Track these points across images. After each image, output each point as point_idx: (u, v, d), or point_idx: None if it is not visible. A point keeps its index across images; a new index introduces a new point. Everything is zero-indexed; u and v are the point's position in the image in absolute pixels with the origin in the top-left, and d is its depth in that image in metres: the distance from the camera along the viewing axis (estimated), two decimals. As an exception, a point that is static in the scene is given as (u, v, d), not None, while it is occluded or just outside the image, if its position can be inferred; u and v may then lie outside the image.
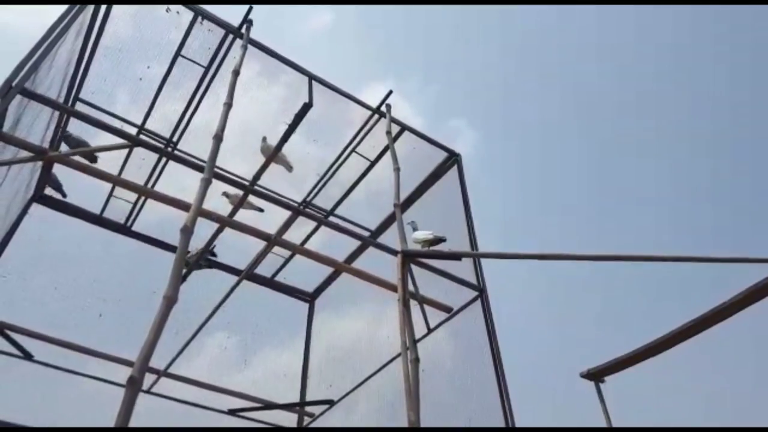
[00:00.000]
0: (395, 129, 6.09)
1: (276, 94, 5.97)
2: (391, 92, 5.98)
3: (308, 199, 6.80)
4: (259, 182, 5.83)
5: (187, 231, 3.48)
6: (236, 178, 5.73)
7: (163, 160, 5.97)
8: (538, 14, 15.85)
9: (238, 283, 6.18)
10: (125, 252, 7.27)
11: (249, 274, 7.62)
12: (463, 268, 5.29)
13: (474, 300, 5.20)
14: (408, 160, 6.30)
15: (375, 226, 6.94)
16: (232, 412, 6.48)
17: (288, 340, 8.06)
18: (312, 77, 5.66)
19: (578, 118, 16.83)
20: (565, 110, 16.53)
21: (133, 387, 2.72)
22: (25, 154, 4.04)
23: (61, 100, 5.43)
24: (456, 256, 4.43)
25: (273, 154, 5.48)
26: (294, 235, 7.36)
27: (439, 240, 4.48)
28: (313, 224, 6.61)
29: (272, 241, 5.00)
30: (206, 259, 6.65)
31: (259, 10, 5.63)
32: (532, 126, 17.12)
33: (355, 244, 6.61)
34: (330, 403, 6.30)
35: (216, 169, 5.07)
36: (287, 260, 7.43)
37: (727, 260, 4.32)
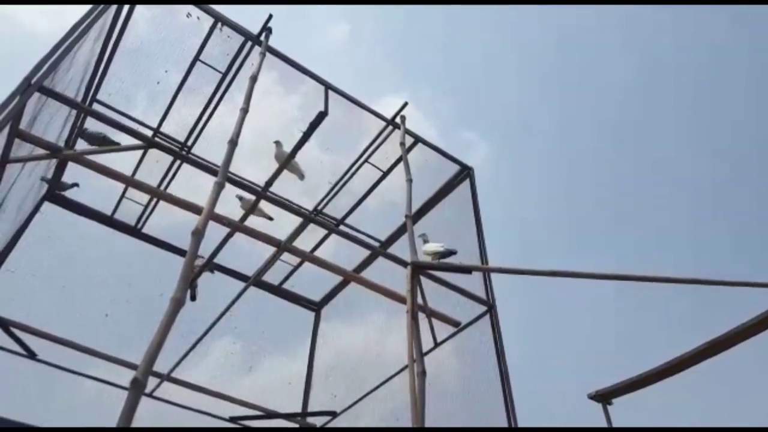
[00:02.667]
0: (409, 141, 6.08)
1: (293, 102, 5.99)
2: (406, 104, 5.99)
3: (319, 207, 6.78)
4: (271, 189, 5.87)
5: (198, 234, 3.45)
6: (249, 184, 5.72)
7: (177, 163, 5.98)
8: (556, 25, 15.73)
9: (245, 290, 6.17)
10: (134, 254, 7.29)
11: (256, 281, 7.63)
12: (473, 282, 5.24)
13: (483, 315, 5.14)
14: (420, 171, 6.29)
15: (385, 236, 6.91)
16: (233, 420, 6.43)
17: (293, 349, 8.01)
18: (328, 86, 5.67)
19: (598, 132, 16.60)
20: (582, 124, 16.33)
21: (137, 389, 2.68)
22: (40, 151, 4.06)
23: (79, 99, 5.47)
24: (466, 270, 4.39)
25: (287, 161, 5.49)
26: (303, 243, 7.36)
27: (450, 253, 4.44)
28: (322, 233, 6.59)
29: (282, 247, 4.98)
30: (213, 265, 6.64)
31: (278, 19, 5.67)
32: (547, 138, 16.95)
33: (364, 254, 6.58)
34: (333, 414, 6.24)
35: (229, 174, 5.14)
36: (295, 268, 7.40)
37: (745, 284, 4.25)
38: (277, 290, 7.70)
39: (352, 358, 7.32)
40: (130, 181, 5.31)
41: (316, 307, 7.92)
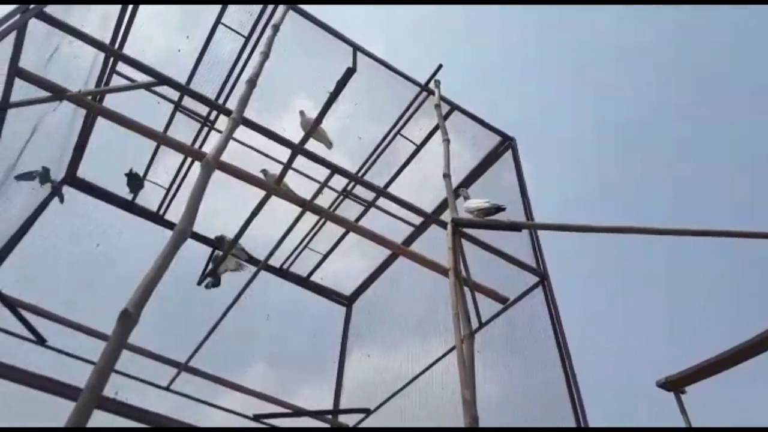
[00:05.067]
0: (445, 108, 5.59)
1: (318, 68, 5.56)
2: (441, 66, 5.51)
3: (360, 174, 6.14)
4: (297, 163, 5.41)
5: (209, 166, 3.02)
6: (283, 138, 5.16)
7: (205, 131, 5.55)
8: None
9: (259, 270, 5.68)
10: (154, 241, 6.92)
11: (284, 272, 7.17)
12: (521, 253, 4.66)
13: (535, 287, 4.53)
14: (456, 144, 5.77)
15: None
16: (258, 418, 5.88)
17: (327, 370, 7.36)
18: (357, 48, 5.27)
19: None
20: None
21: (126, 323, 2.21)
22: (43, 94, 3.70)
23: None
24: (516, 227, 3.83)
25: (313, 127, 5.05)
26: (331, 233, 6.87)
27: (498, 209, 3.87)
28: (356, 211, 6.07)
29: (308, 205, 4.49)
30: (242, 251, 6.20)
31: None
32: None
33: (400, 233, 6.02)
34: (366, 411, 5.65)
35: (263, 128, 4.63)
36: (325, 257, 6.92)
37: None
38: (305, 282, 7.21)
39: (386, 354, 6.76)
40: (161, 138, 4.81)
41: (346, 301, 7.39)
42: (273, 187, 4.66)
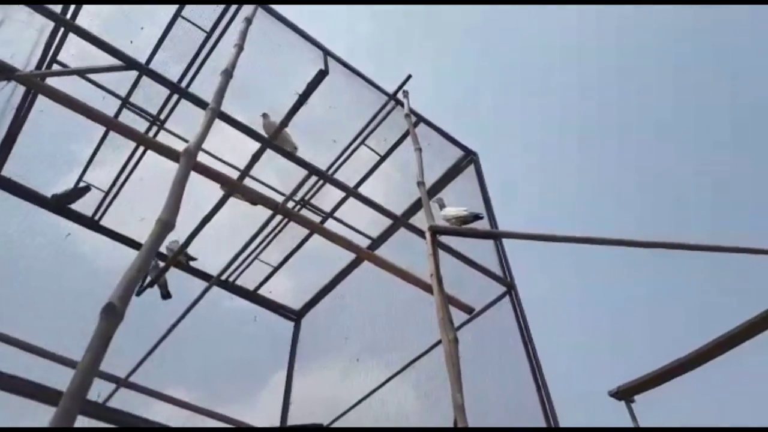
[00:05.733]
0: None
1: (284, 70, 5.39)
2: (410, 77, 5.48)
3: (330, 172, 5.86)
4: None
5: (189, 154, 2.81)
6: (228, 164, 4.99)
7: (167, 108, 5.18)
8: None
9: (211, 285, 5.44)
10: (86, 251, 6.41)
11: (230, 286, 6.82)
12: (489, 264, 4.64)
13: (502, 297, 4.51)
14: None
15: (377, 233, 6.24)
16: (200, 437, 5.50)
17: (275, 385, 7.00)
18: (327, 52, 5.14)
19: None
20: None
21: (111, 317, 1.96)
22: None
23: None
24: (493, 236, 3.80)
25: (278, 130, 4.87)
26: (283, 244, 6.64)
27: (476, 217, 3.83)
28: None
29: (280, 208, 4.27)
30: (186, 256, 5.84)
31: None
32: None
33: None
34: (320, 427, 5.40)
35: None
36: (276, 269, 6.64)
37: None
38: (252, 296, 6.89)
39: (336, 371, 6.54)
40: (111, 123, 4.38)
41: (295, 315, 7.12)
42: (238, 184, 4.40)
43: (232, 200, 5.51)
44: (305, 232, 6.48)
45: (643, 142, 14.91)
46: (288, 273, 7.21)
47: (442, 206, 4.25)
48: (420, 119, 5.73)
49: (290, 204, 5.60)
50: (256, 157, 4.43)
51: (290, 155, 4.61)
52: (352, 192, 5.01)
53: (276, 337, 7.27)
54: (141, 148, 5.59)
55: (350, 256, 6.72)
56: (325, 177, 4.50)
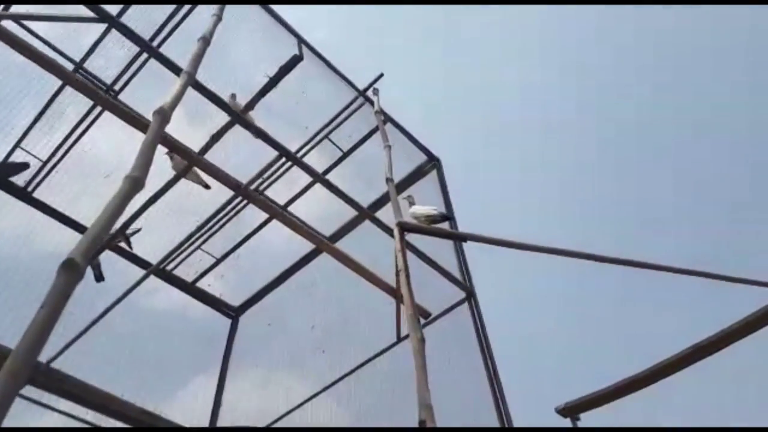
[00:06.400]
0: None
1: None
2: (381, 75, 5.39)
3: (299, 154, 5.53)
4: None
5: (163, 113, 2.58)
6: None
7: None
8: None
9: (146, 276, 5.12)
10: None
11: (167, 275, 6.42)
12: (452, 270, 4.57)
13: (460, 303, 4.44)
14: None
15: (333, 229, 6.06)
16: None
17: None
18: (302, 41, 4.99)
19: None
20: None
21: (72, 273, 1.73)
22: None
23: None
24: (461, 237, 3.73)
25: (243, 111, 4.64)
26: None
27: (444, 217, 3.76)
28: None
29: (243, 189, 4.03)
30: (125, 235, 5.47)
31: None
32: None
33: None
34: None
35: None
36: (217, 261, 6.31)
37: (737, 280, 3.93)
38: (190, 288, 6.51)
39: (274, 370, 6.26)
40: (73, 79, 3.87)
41: (233, 313, 6.79)
42: (199, 159, 4.13)
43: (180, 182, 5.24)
44: (253, 224, 6.25)
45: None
46: (230, 267, 6.90)
47: (411, 204, 4.16)
48: (387, 119, 5.65)
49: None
50: (221, 133, 4.18)
51: (264, 135, 4.38)
52: (319, 178, 4.82)
53: (207, 335, 6.91)
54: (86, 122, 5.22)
55: (298, 254, 6.53)
56: (295, 160, 4.29)
